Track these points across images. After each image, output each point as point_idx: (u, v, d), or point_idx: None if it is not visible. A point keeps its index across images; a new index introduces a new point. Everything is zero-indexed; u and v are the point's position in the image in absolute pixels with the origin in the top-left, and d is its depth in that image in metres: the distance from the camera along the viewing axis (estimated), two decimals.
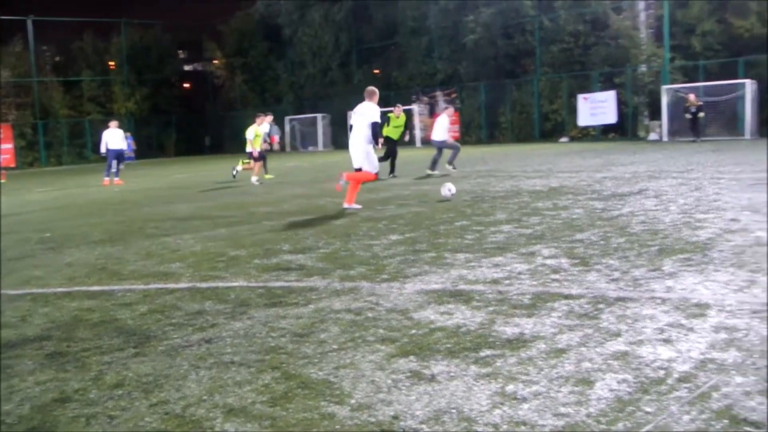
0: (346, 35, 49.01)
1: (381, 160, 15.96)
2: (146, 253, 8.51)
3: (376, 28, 47.60)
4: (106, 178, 23.58)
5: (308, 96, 52.15)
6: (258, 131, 20.29)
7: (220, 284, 6.50)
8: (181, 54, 63.57)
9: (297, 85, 53.20)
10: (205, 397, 3.72)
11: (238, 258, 7.78)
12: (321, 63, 50.68)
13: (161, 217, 12.26)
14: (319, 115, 49.26)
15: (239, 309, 5.51)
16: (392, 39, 46.93)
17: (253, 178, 19.89)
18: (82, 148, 50.63)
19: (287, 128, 51.33)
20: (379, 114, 12.09)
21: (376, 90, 12.33)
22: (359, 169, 12.08)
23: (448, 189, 12.65)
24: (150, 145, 53.80)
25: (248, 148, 20.34)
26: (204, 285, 6.49)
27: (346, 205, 11.88)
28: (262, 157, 20.33)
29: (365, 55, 49.49)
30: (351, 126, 12.25)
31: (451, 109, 20.76)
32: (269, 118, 21.77)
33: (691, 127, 29.60)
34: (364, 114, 11.96)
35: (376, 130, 11.84)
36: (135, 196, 17.56)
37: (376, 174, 12.54)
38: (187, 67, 65.18)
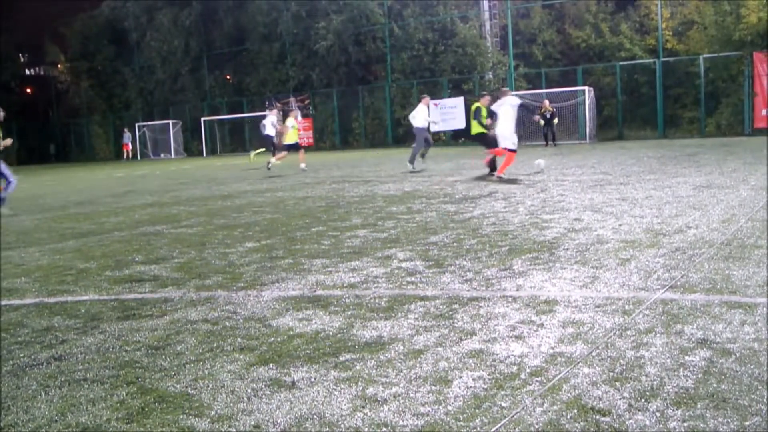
0: (196, 40, 48.01)
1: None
2: None
3: (226, 33, 46.93)
4: None
5: (158, 102, 50.81)
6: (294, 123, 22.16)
7: (70, 298, 6.21)
8: (22, 57, 60.40)
9: (146, 91, 51.72)
10: (56, 418, 3.54)
11: (88, 270, 7.46)
12: (171, 68, 49.47)
13: (2, 230, 11.59)
14: (170, 122, 48.07)
15: (90, 323, 5.28)
16: (243, 45, 46.43)
17: (302, 165, 21.77)
18: None
19: (136, 135, 49.81)
20: (519, 101, 16.04)
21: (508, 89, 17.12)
22: (506, 148, 15.39)
23: (538, 164, 16.16)
24: None
25: (287, 140, 21.81)
26: (52, 300, 6.19)
27: (498, 175, 15.35)
28: (290, 147, 21.82)
29: (216, 61, 48.70)
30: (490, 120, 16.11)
31: (427, 98, 21.06)
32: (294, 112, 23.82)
33: (545, 132, 30.70)
34: (507, 106, 15.34)
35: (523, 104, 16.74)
36: None
37: (512, 152, 15.55)
38: (28, 72, 62.00)
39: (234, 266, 7.21)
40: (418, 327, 4.73)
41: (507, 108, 15.31)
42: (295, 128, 22.18)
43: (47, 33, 55.55)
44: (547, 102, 30.85)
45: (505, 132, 15.32)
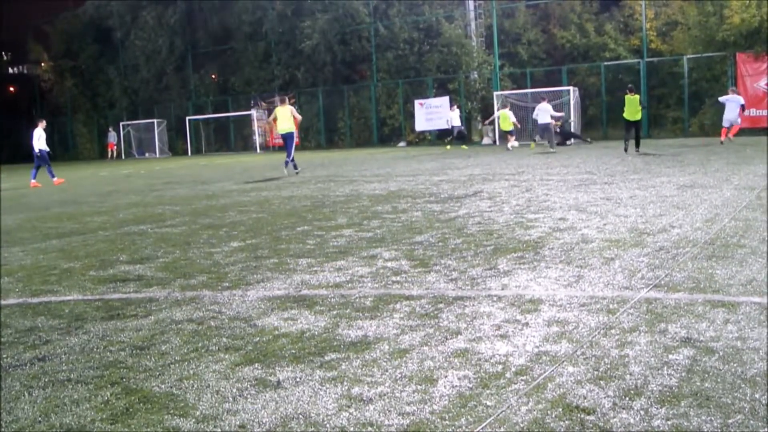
0: (181, 39, 47.75)
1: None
2: None
3: (211, 32, 46.72)
4: (55, 178, 23.29)
5: (143, 101, 50.55)
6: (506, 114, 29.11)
7: (53, 299, 6.17)
8: (4, 56, 59.93)
9: (131, 90, 51.42)
10: (40, 419, 3.52)
11: (72, 270, 7.42)
12: (155, 67, 49.19)
13: None
14: (155, 121, 47.87)
15: (74, 324, 5.25)
16: (228, 44, 46.26)
17: (509, 144, 28.46)
18: None
19: (121, 134, 49.58)
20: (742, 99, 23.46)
21: (733, 88, 24.73)
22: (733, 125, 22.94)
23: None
24: None
25: (506, 128, 28.94)
26: (35, 300, 6.15)
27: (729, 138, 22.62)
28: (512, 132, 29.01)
29: (201, 60, 48.50)
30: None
31: (546, 98, 27.70)
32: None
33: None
34: (734, 101, 22.78)
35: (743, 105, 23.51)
36: None
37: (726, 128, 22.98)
38: (10, 70, 61.53)
39: (219, 266, 7.19)
40: (404, 326, 4.73)
41: (732, 103, 22.68)
42: (509, 118, 28.83)
43: (30, 31, 55.02)
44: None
45: (730, 116, 22.73)
